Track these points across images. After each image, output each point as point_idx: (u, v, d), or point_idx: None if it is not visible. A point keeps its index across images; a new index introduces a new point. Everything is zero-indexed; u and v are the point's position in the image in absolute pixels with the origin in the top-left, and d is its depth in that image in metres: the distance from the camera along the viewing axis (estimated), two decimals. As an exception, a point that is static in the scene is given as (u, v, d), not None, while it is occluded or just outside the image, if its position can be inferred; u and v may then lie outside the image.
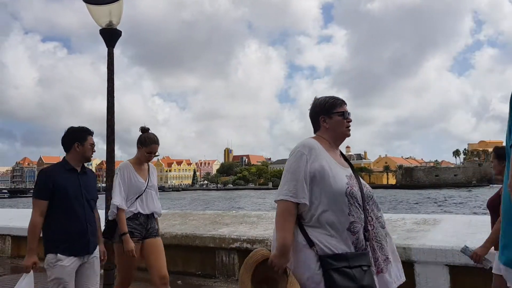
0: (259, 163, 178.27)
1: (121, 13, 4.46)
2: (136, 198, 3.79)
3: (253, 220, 6.61)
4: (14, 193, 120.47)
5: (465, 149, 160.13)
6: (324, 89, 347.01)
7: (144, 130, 3.98)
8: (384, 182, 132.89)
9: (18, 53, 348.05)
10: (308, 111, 2.51)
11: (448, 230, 4.79)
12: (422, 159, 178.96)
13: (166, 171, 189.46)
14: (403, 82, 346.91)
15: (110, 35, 4.51)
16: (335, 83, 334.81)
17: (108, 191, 4.58)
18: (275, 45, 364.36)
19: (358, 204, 2.21)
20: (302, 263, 2.14)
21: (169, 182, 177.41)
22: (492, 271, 3.30)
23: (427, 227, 5.04)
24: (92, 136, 3.39)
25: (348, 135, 2.41)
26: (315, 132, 2.47)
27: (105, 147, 4.52)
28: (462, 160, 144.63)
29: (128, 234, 3.67)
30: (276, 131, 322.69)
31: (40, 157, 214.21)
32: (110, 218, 3.76)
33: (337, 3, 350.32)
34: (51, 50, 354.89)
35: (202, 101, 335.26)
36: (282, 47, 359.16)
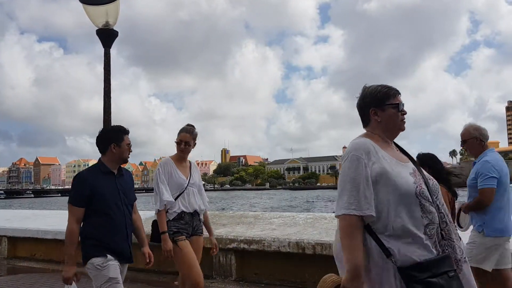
0: (256, 164, 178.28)
1: (117, 13, 4.46)
2: (178, 196, 3.66)
3: (250, 220, 6.61)
4: (10, 194, 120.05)
5: (461, 149, 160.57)
6: (321, 89, 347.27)
7: (189, 125, 3.86)
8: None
9: (14, 53, 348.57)
10: (356, 102, 2.18)
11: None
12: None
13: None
14: (400, 82, 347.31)
15: (107, 35, 4.51)
16: (332, 83, 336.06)
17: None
18: (272, 45, 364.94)
19: (429, 202, 1.94)
20: (379, 279, 1.86)
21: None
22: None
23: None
24: (128, 135, 3.22)
25: (403, 129, 2.13)
26: (363, 126, 2.16)
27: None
28: (458, 160, 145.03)
29: (167, 233, 3.58)
30: (273, 131, 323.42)
31: (37, 158, 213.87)
32: (157, 212, 3.65)
33: (334, 3, 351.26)
34: (47, 50, 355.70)
35: (199, 101, 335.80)
36: (279, 47, 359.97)
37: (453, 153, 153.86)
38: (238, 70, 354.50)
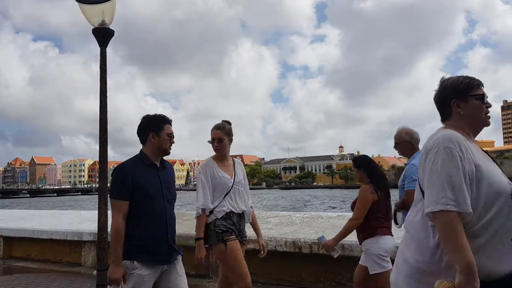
0: (253, 163, 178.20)
1: (113, 12, 4.44)
2: (225, 196, 3.48)
3: (246, 220, 6.61)
4: (6, 194, 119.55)
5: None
6: (317, 89, 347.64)
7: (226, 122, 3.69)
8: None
9: (9, 52, 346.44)
10: (435, 94, 2.01)
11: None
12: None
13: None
14: (396, 82, 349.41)
15: (103, 34, 4.48)
16: (328, 83, 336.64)
17: (101, 191, 4.56)
18: (268, 44, 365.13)
19: None
20: None
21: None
22: (359, 263, 3.88)
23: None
24: (170, 125, 2.97)
25: (488, 124, 1.96)
26: (443, 120, 1.98)
27: (97, 147, 4.50)
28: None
29: (202, 240, 3.40)
30: (270, 131, 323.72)
31: (32, 158, 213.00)
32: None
33: (330, 2, 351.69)
34: (42, 49, 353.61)
35: (195, 100, 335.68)
36: (275, 46, 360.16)
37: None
38: (234, 69, 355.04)
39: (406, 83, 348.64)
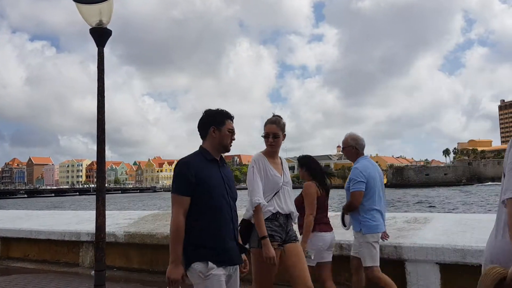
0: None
1: (111, 12, 4.43)
2: (273, 196, 3.32)
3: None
4: (3, 194, 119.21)
5: (455, 148, 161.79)
6: (315, 89, 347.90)
7: (274, 116, 3.52)
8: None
9: (6, 52, 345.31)
10: None
11: (439, 229, 4.83)
12: (412, 158, 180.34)
13: (158, 171, 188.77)
14: (394, 81, 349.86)
15: (100, 34, 4.47)
16: (326, 82, 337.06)
17: (99, 191, 4.54)
18: (266, 44, 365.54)
19: None
20: None
21: (160, 182, 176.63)
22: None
23: (418, 225, 5.07)
24: (232, 121, 2.87)
25: None
26: None
27: (95, 147, 4.49)
28: (452, 159, 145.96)
29: (268, 238, 3.16)
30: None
31: (30, 158, 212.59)
32: (246, 217, 3.30)
33: (328, 2, 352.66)
34: (39, 49, 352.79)
35: (193, 100, 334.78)
36: (273, 46, 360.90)
37: (446, 152, 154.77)
38: (232, 69, 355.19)
39: (405, 83, 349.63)
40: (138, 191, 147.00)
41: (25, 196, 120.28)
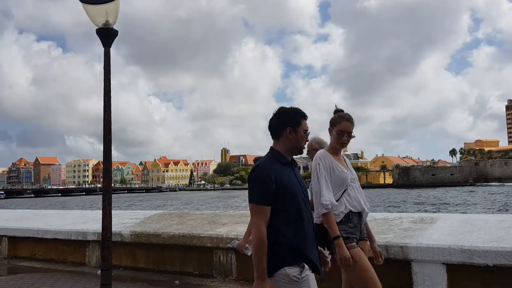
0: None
1: (117, 12, 4.45)
2: (342, 193, 3.17)
3: (248, 220, 6.61)
4: (11, 194, 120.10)
5: (461, 148, 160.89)
6: (320, 88, 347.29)
7: (336, 110, 3.37)
8: (381, 181, 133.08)
9: (12, 53, 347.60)
10: None
11: (445, 229, 4.81)
12: (418, 158, 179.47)
13: (163, 171, 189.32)
14: (400, 81, 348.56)
15: (107, 34, 4.49)
16: (332, 82, 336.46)
17: (105, 191, 4.56)
18: (271, 43, 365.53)
19: None
20: None
21: (166, 182, 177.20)
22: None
23: (424, 225, 5.05)
24: (306, 121, 2.70)
25: None
26: None
27: (101, 147, 4.51)
28: (458, 160, 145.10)
29: (341, 238, 3.01)
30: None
31: (37, 158, 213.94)
32: (317, 222, 3.10)
33: (334, 1, 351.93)
34: (45, 49, 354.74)
35: (198, 100, 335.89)
36: (279, 45, 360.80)
37: (453, 152, 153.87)
38: (238, 68, 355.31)
39: (411, 82, 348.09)
40: (144, 191, 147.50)
41: (32, 195, 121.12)
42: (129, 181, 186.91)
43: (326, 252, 2.73)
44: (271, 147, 2.66)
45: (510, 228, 4.54)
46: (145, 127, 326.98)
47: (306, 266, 2.45)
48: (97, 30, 4.48)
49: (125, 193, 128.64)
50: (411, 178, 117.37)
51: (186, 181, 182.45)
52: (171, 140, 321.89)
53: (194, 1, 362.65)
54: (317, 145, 4.35)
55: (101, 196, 4.44)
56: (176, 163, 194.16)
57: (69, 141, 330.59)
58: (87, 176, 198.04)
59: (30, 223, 7.97)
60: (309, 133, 2.66)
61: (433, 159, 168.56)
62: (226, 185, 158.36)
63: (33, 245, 7.58)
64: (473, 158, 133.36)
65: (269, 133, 2.67)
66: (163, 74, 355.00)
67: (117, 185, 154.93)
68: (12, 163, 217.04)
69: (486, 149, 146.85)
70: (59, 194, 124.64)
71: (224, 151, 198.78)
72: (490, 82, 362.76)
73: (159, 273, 6.13)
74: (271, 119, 2.66)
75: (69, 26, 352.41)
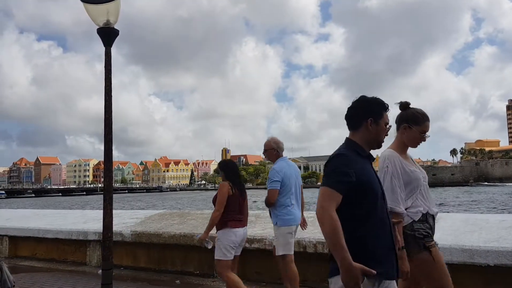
0: (257, 163, 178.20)
1: (118, 12, 4.45)
2: (417, 193, 2.94)
3: (251, 219, 6.60)
4: (11, 194, 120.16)
5: (462, 148, 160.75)
6: (321, 88, 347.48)
7: (406, 104, 3.11)
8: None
9: (13, 52, 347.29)
10: None
11: (446, 228, 4.80)
12: (419, 158, 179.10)
13: (164, 171, 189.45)
14: (401, 81, 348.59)
15: (108, 34, 4.49)
16: (332, 82, 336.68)
17: (106, 190, 4.56)
18: (272, 43, 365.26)
19: None
20: None
21: (166, 182, 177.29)
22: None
23: (425, 225, 5.05)
24: (387, 113, 2.45)
25: None
26: None
27: (101, 147, 4.52)
28: (459, 159, 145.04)
29: (405, 249, 2.75)
30: (274, 130, 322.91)
31: (37, 158, 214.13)
32: None
33: (335, 1, 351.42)
34: (45, 49, 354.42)
35: (199, 100, 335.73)
36: (280, 45, 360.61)
37: (453, 152, 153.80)
38: (238, 68, 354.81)
39: (412, 82, 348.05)
40: (145, 190, 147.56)
41: (33, 195, 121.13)
42: (129, 181, 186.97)
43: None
44: (347, 138, 2.43)
45: (511, 228, 4.54)
46: (146, 126, 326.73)
47: (377, 276, 2.11)
48: (98, 29, 4.48)
49: (125, 193, 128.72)
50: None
51: (187, 181, 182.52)
52: (172, 139, 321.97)
53: (195, 1, 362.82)
54: (275, 144, 4.72)
55: (101, 196, 4.44)
56: (176, 163, 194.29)
57: (70, 141, 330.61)
58: (88, 176, 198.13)
59: (30, 223, 7.98)
60: (390, 127, 2.44)
61: (434, 159, 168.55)
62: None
63: (34, 244, 7.59)
64: (473, 158, 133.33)
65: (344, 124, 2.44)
66: (164, 73, 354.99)
67: (118, 185, 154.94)
68: (13, 163, 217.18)
69: (487, 149, 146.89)
70: (60, 194, 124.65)
71: (225, 151, 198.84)
72: (491, 82, 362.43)
73: (160, 273, 6.14)
74: (350, 108, 2.43)
75: (69, 26, 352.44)
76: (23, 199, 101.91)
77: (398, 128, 3.12)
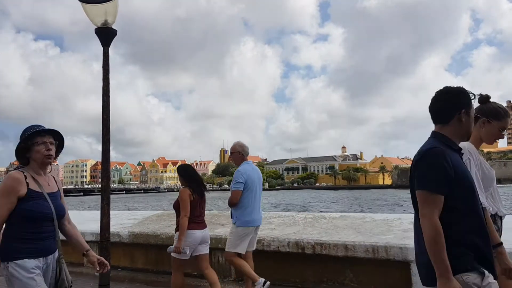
0: (255, 164, 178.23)
1: (116, 12, 4.44)
2: (488, 194, 2.79)
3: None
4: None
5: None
6: (320, 89, 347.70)
7: (487, 98, 2.94)
8: (380, 182, 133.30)
9: (9, 52, 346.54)
10: None
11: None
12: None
13: (162, 171, 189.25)
14: (400, 81, 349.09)
15: (106, 34, 4.49)
16: (331, 82, 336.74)
17: (103, 191, 4.54)
18: (271, 43, 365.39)
19: None
20: None
21: (164, 182, 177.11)
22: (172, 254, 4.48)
23: (423, 226, 5.04)
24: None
25: None
26: None
27: (99, 147, 4.50)
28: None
29: (503, 245, 2.55)
30: (272, 131, 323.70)
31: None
32: None
33: (333, 1, 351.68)
34: (42, 48, 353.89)
35: (197, 100, 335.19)
36: (278, 45, 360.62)
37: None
38: (237, 68, 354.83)
39: (411, 83, 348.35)
40: (142, 191, 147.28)
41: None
42: (127, 181, 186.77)
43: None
44: (434, 131, 2.30)
45: (509, 229, 4.54)
46: (144, 127, 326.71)
47: (486, 272, 2.04)
48: (96, 29, 4.47)
49: (123, 193, 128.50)
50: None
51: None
52: (170, 140, 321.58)
53: (193, 1, 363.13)
54: (240, 148, 4.89)
55: (99, 196, 4.43)
56: (174, 163, 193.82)
57: (67, 141, 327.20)
58: (85, 176, 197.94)
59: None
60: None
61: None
62: (225, 185, 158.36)
63: (31, 245, 7.55)
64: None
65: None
66: (162, 73, 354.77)
67: (115, 185, 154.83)
68: (10, 163, 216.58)
69: (485, 150, 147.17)
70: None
71: (223, 152, 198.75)
72: (490, 83, 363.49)
73: (157, 274, 6.12)
74: (438, 101, 2.32)
75: (66, 25, 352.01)
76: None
77: (475, 122, 2.80)
